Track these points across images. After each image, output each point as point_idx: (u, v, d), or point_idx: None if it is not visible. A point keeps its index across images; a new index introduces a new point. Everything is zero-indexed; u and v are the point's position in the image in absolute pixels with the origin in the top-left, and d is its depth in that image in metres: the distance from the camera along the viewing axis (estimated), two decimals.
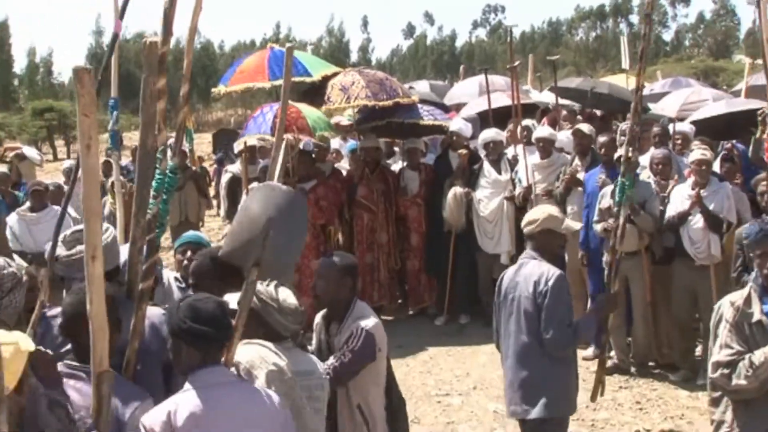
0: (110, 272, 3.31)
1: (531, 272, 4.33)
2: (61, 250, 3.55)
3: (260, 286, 3.30)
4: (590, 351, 7.45)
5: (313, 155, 8.78)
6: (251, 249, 3.21)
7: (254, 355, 3.14)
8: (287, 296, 3.36)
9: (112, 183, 9.73)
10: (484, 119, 9.96)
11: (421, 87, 12.97)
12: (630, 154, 4.89)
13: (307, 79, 8.46)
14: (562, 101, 10.40)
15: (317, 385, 3.44)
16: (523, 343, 4.32)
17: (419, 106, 8.98)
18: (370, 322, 3.91)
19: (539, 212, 4.49)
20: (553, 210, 4.57)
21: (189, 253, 4.64)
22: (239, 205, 3.85)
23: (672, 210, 6.67)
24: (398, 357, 7.63)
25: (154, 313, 3.35)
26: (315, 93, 8.70)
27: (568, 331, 4.22)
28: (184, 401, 2.75)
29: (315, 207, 8.24)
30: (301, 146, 8.18)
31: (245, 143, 8.53)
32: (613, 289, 5.04)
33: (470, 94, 11.94)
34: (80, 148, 2.42)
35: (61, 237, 3.56)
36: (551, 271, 4.26)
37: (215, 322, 2.85)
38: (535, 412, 4.30)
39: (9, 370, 2.34)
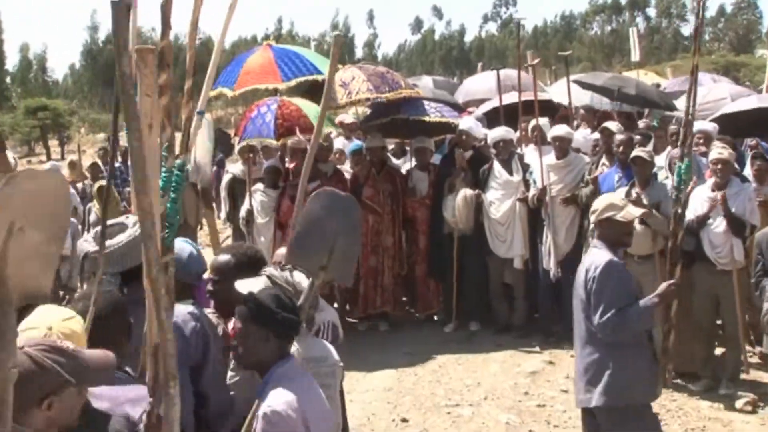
0: (136, 271, 3.29)
1: (586, 260, 4.58)
2: (89, 246, 3.58)
3: (275, 271, 3.36)
4: None
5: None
6: (319, 254, 3.60)
7: None
8: (302, 280, 3.43)
9: (99, 187, 9.76)
10: (492, 118, 9.95)
11: (424, 83, 12.84)
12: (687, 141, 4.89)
13: (320, 77, 8.44)
14: (577, 99, 10.38)
15: (329, 372, 3.46)
16: (582, 331, 4.52)
17: (426, 102, 8.96)
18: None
19: (600, 201, 4.69)
20: (614, 198, 4.78)
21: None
22: (301, 213, 3.86)
23: (691, 213, 6.63)
24: (406, 365, 7.62)
25: (177, 311, 3.34)
26: (316, 91, 8.69)
27: (615, 316, 4.32)
28: (297, 390, 2.90)
29: None
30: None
31: (246, 143, 8.56)
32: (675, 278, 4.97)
33: (487, 90, 11.77)
34: (142, 128, 2.46)
35: (92, 233, 3.61)
36: (601, 258, 4.43)
37: (297, 312, 3.05)
38: (595, 400, 4.42)
39: (81, 343, 2.45)
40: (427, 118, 8.66)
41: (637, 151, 6.98)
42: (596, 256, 4.48)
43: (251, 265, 3.58)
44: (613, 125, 7.90)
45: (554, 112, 10.35)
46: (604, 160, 7.78)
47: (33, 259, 2.23)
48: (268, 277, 3.36)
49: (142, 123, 2.50)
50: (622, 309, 4.34)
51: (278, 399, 2.90)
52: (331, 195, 3.90)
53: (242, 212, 8.63)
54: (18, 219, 2.09)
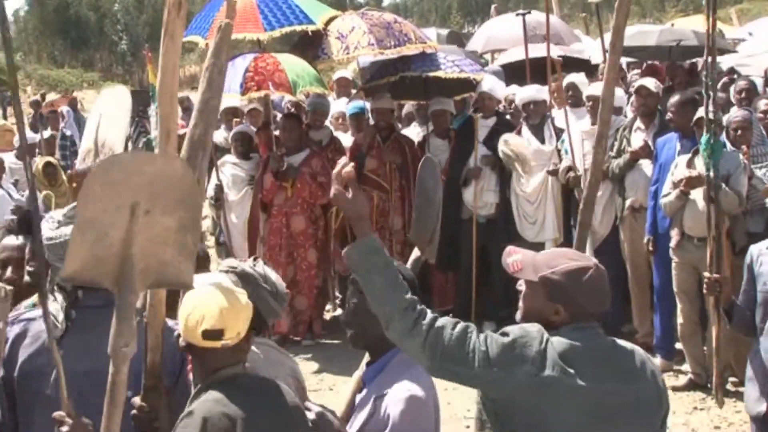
0: None
1: None
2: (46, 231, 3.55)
3: (244, 265, 3.31)
4: (657, 362, 7.44)
5: (305, 119, 8.75)
6: (429, 226, 4.09)
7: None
8: (272, 274, 3.40)
9: (47, 163, 9.67)
10: (511, 74, 9.82)
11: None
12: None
13: (310, 28, 8.35)
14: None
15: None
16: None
17: (441, 55, 8.83)
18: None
19: None
20: None
21: None
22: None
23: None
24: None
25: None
26: (308, 43, 8.60)
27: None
28: (421, 376, 3.13)
29: (312, 184, 8.29)
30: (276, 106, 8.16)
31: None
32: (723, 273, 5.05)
33: (513, 38, 11.41)
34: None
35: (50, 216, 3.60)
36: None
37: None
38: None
39: (243, 316, 2.84)
40: (442, 74, 8.56)
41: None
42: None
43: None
44: (650, 82, 7.77)
45: (591, 66, 10.26)
46: (638, 123, 7.71)
47: (168, 246, 2.60)
48: (234, 271, 3.29)
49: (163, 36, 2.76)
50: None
51: (415, 384, 3.12)
52: (433, 161, 4.69)
53: (209, 189, 8.46)
54: (142, 201, 2.47)
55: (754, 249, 4.60)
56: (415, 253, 4.07)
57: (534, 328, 2.83)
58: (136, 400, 2.95)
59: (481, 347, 2.74)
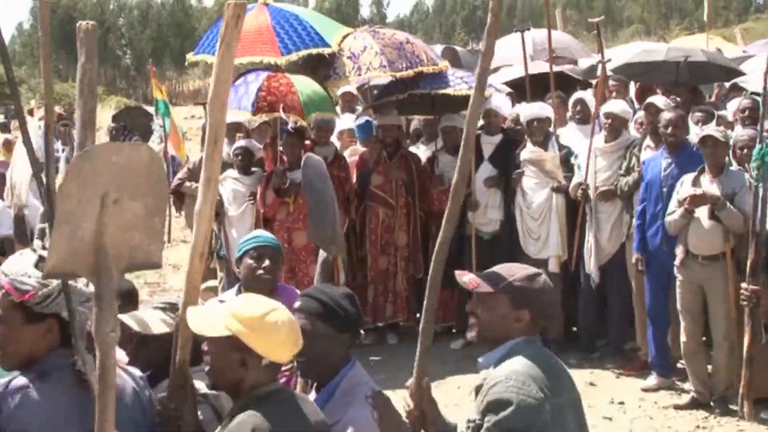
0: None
1: None
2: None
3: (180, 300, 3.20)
4: (653, 379, 7.47)
5: (311, 135, 8.77)
6: (326, 226, 4.13)
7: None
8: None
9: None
10: (513, 90, 9.86)
11: None
12: None
13: (326, 51, 8.42)
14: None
15: None
16: None
17: (450, 71, 8.91)
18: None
19: None
20: None
21: (267, 261, 4.78)
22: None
23: None
24: None
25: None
26: (319, 61, 8.62)
27: None
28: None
29: None
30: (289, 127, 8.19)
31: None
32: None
33: (519, 55, 11.64)
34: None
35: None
36: None
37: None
38: None
39: (294, 337, 2.95)
40: (451, 91, 8.62)
41: (709, 130, 6.89)
42: None
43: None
44: (660, 100, 7.87)
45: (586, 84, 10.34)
46: (648, 141, 7.75)
47: (138, 231, 2.76)
48: (168, 307, 3.43)
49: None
50: None
51: (366, 409, 3.11)
52: (316, 161, 4.46)
53: None
54: (111, 191, 2.62)
55: None
56: (322, 254, 4.12)
57: (506, 373, 2.96)
58: (163, 398, 3.03)
59: None
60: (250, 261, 4.78)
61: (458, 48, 15.19)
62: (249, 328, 2.83)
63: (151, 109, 17.83)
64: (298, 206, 8.26)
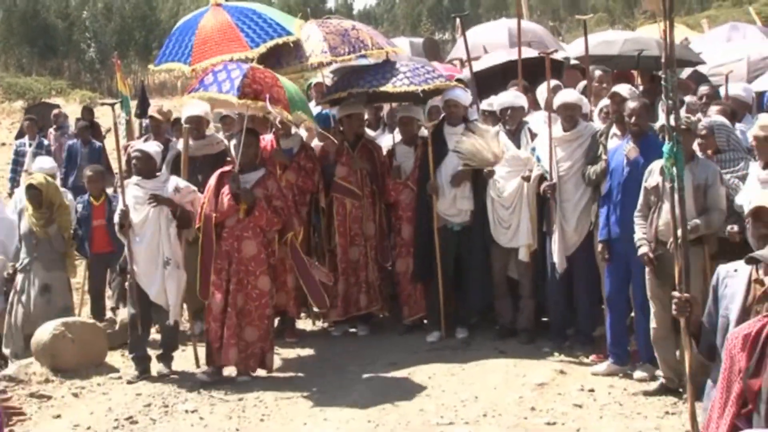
0: None
1: None
2: None
3: None
4: (604, 365, 7.53)
5: (273, 130, 8.70)
6: None
7: None
8: None
9: (30, 185, 8.74)
10: (484, 83, 9.89)
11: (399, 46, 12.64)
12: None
13: (291, 39, 8.47)
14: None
15: None
16: None
17: (402, 64, 8.77)
18: None
19: None
20: None
21: None
22: None
23: (744, 198, 6.60)
24: (390, 377, 7.67)
25: None
26: (265, 55, 8.51)
27: None
28: None
29: (268, 210, 7.68)
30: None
31: (208, 97, 8.00)
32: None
33: (498, 43, 11.69)
34: None
35: None
36: None
37: None
38: None
39: None
40: (390, 88, 8.48)
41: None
42: None
43: None
44: (624, 89, 7.87)
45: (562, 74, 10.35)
46: (614, 129, 7.77)
47: None
48: None
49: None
50: None
51: None
52: None
53: (116, 216, 7.84)
54: None
55: (721, 270, 4.37)
56: None
57: None
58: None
59: None
60: None
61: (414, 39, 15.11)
62: None
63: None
64: (252, 218, 7.63)
